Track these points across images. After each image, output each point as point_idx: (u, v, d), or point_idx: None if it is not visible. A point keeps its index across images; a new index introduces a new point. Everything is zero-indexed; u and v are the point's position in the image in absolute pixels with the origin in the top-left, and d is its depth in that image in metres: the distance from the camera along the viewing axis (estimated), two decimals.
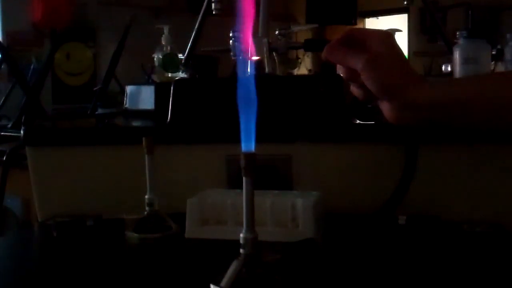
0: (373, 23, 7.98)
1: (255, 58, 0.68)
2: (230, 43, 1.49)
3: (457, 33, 1.54)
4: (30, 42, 5.19)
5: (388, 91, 0.77)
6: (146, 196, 0.96)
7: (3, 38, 5.07)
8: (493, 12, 6.59)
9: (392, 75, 0.77)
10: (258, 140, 0.65)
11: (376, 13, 7.88)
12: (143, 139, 0.96)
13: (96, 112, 1.44)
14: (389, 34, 0.80)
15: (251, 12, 0.67)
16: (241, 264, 0.65)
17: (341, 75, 0.83)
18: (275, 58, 1.42)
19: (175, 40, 1.70)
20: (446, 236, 0.96)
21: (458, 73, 1.53)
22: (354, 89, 0.84)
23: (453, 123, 0.80)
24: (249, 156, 0.64)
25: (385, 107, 0.80)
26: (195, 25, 1.79)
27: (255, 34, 0.70)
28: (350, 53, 0.79)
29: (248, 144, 0.64)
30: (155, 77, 1.73)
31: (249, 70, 0.67)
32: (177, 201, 0.94)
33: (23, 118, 2.35)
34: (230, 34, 1.49)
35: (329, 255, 0.85)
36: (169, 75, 1.65)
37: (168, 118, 1.21)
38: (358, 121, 1.16)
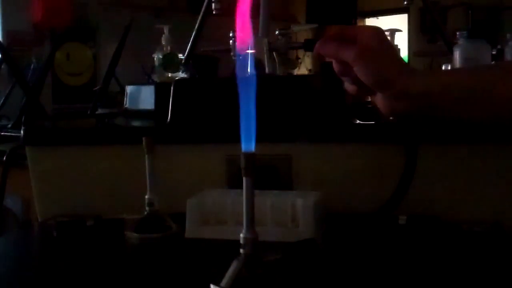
0: (373, 23, 7.97)
1: (251, 51, 0.67)
2: (230, 43, 1.49)
3: (457, 33, 1.54)
4: (30, 42, 5.18)
5: (380, 81, 0.78)
6: (146, 196, 0.96)
7: (3, 38, 5.07)
8: (493, 12, 6.59)
9: (384, 65, 0.78)
10: (258, 140, 0.65)
11: (376, 13, 7.87)
12: (143, 139, 0.96)
13: (96, 112, 1.43)
14: (379, 30, 0.80)
15: (252, 12, 0.67)
16: (241, 264, 0.65)
17: (334, 70, 0.83)
18: (275, 58, 1.42)
19: (175, 40, 1.70)
20: (445, 236, 0.96)
21: None
22: (348, 85, 0.84)
23: (446, 114, 0.80)
24: (249, 156, 0.64)
25: (379, 99, 0.80)
26: (195, 25, 1.78)
27: (255, 34, 0.70)
28: (341, 46, 0.80)
29: (248, 144, 0.64)
30: (155, 77, 1.73)
31: (249, 70, 0.67)
32: (177, 201, 0.94)
33: (23, 118, 2.35)
34: (230, 34, 1.49)
35: (329, 255, 0.85)
36: (169, 75, 1.65)
37: (168, 118, 1.21)
38: (358, 121, 1.16)
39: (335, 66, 0.83)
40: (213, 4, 1.69)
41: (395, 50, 0.82)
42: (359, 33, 0.80)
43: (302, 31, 2.04)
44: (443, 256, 0.85)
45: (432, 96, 0.76)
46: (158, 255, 0.89)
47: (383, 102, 0.80)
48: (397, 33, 1.55)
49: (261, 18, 1.39)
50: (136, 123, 1.46)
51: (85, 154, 1.19)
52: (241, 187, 0.65)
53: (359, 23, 6.84)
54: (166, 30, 1.70)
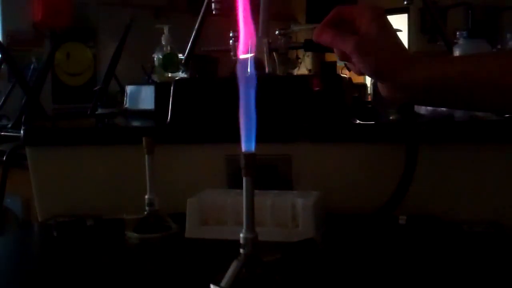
0: None
1: (243, 56, 0.67)
2: (230, 43, 1.49)
3: (457, 33, 1.53)
4: (30, 42, 5.18)
5: (378, 74, 0.78)
6: (146, 196, 0.96)
7: (3, 38, 5.07)
8: (493, 12, 6.58)
9: (381, 59, 0.76)
10: (258, 140, 0.65)
11: None
12: (143, 139, 0.96)
13: (96, 112, 1.43)
14: (379, 13, 0.78)
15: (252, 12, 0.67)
16: (241, 264, 0.65)
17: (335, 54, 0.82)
18: (275, 58, 1.42)
19: (175, 40, 1.70)
20: (446, 236, 0.96)
21: None
22: (351, 66, 0.83)
23: (450, 104, 0.80)
24: (249, 156, 0.64)
25: (381, 86, 0.80)
26: (195, 25, 1.78)
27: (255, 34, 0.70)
28: (339, 35, 0.78)
29: (248, 144, 0.64)
30: (155, 77, 1.73)
31: (249, 69, 0.67)
32: (177, 201, 0.94)
33: (23, 118, 2.35)
34: (230, 34, 1.49)
35: (329, 255, 0.85)
36: (169, 75, 1.65)
37: (168, 118, 1.21)
38: (358, 121, 1.16)
39: (335, 51, 0.81)
40: (213, 4, 1.69)
41: (395, 37, 0.78)
42: (358, 16, 0.78)
43: (302, 31, 2.03)
44: (443, 256, 0.85)
45: (434, 89, 0.76)
46: (158, 255, 0.89)
47: (384, 89, 0.80)
48: (397, 33, 1.55)
49: (261, 18, 1.39)
50: (136, 123, 1.46)
51: (85, 154, 1.19)
52: (241, 187, 0.65)
53: None
54: (166, 30, 1.70)
